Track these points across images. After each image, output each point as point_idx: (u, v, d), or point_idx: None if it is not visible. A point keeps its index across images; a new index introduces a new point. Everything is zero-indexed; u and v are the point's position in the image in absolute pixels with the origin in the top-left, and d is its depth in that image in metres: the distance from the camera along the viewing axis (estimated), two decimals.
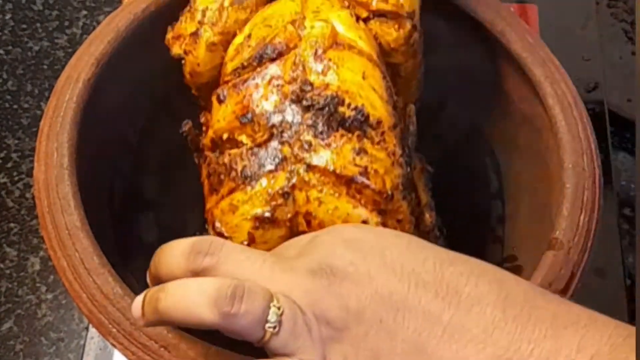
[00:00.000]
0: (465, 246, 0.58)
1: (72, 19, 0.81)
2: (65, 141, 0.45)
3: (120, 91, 0.51)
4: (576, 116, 0.48)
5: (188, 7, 0.50)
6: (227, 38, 0.48)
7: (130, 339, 0.39)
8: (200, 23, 0.49)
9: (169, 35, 0.51)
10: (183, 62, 0.50)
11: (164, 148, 0.55)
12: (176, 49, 0.50)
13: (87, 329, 0.63)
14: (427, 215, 0.46)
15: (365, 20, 0.47)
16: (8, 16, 0.81)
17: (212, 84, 0.49)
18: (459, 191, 0.59)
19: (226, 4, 0.48)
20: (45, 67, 0.78)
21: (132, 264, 0.49)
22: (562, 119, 0.48)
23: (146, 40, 0.51)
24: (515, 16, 0.52)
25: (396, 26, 0.46)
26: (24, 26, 0.81)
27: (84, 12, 0.82)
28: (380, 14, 0.46)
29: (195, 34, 0.49)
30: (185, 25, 0.50)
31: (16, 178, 0.72)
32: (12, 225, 0.69)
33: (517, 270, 0.51)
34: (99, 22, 0.60)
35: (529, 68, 0.50)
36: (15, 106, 0.76)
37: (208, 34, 0.48)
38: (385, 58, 0.48)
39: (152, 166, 0.55)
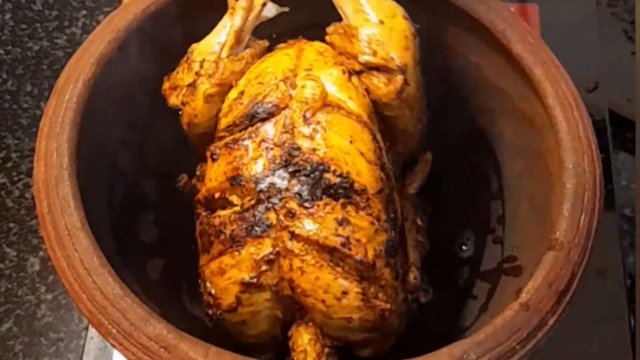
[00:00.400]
0: (465, 247, 0.58)
1: (72, 19, 0.81)
2: (65, 141, 0.45)
3: (121, 91, 0.51)
4: (576, 116, 0.48)
5: (185, 58, 0.51)
6: (224, 89, 0.49)
7: (130, 340, 0.39)
8: (198, 74, 0.49)
9: (166, 86, 0.52)
10: (180, 112, 0.51)
11: (164, 148, 0.55)
12: (173, 100, 0.51)
13: (86, 329, 0.63)
14: (411, 276, 0.47)
15: (359, 73, 0.47)
16: (8, 16, 0.81)
17: (209, 135, 0.50)
18: (459, 191, 0.59)
19: (223, 55, 0.49)
20: (44, 67, 0.78)
21: (132, 264, 0.49)
22: (562, 119, 0.48)
23: (146, 40, 0.51)
24: (515, 16, 0.52)
25: (386, 80, 0.46)
26: (24, 26, 0.81)
27: (84, 12, 0.82)
28: (371, 68, 0.47)
29: (192, 85, 0.49)
30: (182, 75, 0.50)
31: (16, 178, 0.72)
32: (11, 225, 0.69)
33: (517, 270, 0.51)
34: (98, 22, 0.60)
35: (529, 68, 0.50)
36: (14, 106, 0.76)
37: (205, 86, 0.49)
38: (380, 110, 0.48)
39: (152, 166, 0.55)
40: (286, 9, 0.52)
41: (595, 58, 0.77)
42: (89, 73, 0.47)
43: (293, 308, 0.45)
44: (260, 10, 0.50)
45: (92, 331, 0.62)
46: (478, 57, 0.55)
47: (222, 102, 0.49)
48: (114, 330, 0.40)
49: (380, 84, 0.46)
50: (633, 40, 0.84)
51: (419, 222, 0.51)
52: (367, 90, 0.47)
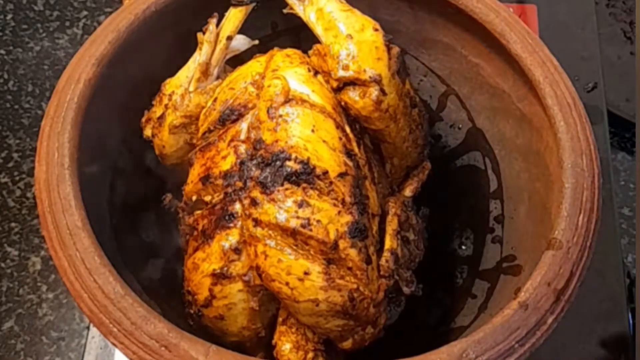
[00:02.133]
0: (464, 246, 0.58)
1: (73, 19, 0.82)
2: (66, 141, 0.45)
3: (121, 91, 0.51)
4: (575, 116, 0.48)
5: (159, 92, 0.52)
6: (190, 121, 0.50)
7: (131, 339, 0.40)
8: (166, 107, 0.51)
9: (143, 119, 0.53)
10: (152, 144, 0.52)
11: None
12: (147, 132, 0.53)
13: (88, 328, 0.63)
14: (383, 260, 0.46)
15: (337, 90, 0.47)
16: (9, 16, 0.81)
17: (181, 166, 0.51)
18: (458, 191, 0.59)
19: (190, 89, 0.51)
20: (46, 67, 0.78)
21: (132, 263, 0.49)
22: (561, 119, 0.48)
23: (146, 41, 0.51)
24: (514, 17, 0.52)
25: (361, 93, 0.47)
26: (25, 26, 0.81)
27: (85, 13, 0.82)
28: (346, 83, 0.47)
29: (161, 118, 0.51)
30: (155, 109, 0.52)
31: (17, 178, 0.72)
32: (13, 224, 0.69)
33: (516, 269, 0.51)
34: (99, 23, 0.60)
35: (528, 68, 0.50)
36: (16, 106, 0.76)
37: (171, 117, 0.50)
38: (365, 126, 0.49)
39: (152, 166, 0.56)
40: (256, 42, 0.53)
41: (593, 58, 0.77)
42: (90, 73, 0.48)
43: (268, 299, 0.45)
44: (227, 44, 0.51)
45: (94, 330, 0.62)
46: (478, 57, 0.55)
47: (189, 133, 0.50)
48: (115, 329, 0.40)
49: (356, 97, 0.47)
50: (632, 40, 0.84)
51: (413, 220, 0.51)
52: (347, 107, 0.47)
